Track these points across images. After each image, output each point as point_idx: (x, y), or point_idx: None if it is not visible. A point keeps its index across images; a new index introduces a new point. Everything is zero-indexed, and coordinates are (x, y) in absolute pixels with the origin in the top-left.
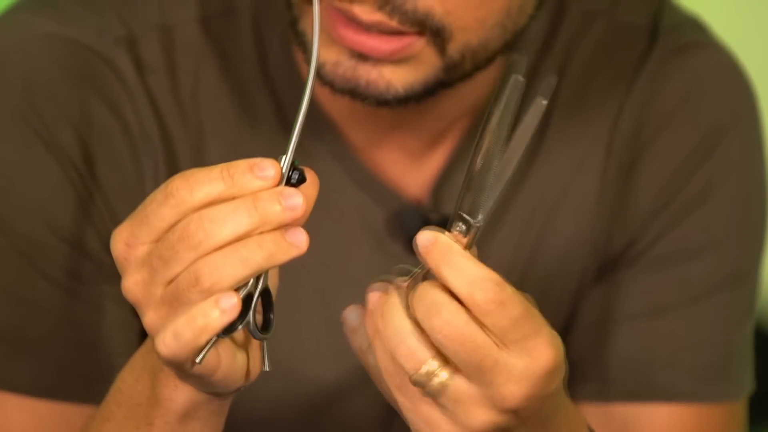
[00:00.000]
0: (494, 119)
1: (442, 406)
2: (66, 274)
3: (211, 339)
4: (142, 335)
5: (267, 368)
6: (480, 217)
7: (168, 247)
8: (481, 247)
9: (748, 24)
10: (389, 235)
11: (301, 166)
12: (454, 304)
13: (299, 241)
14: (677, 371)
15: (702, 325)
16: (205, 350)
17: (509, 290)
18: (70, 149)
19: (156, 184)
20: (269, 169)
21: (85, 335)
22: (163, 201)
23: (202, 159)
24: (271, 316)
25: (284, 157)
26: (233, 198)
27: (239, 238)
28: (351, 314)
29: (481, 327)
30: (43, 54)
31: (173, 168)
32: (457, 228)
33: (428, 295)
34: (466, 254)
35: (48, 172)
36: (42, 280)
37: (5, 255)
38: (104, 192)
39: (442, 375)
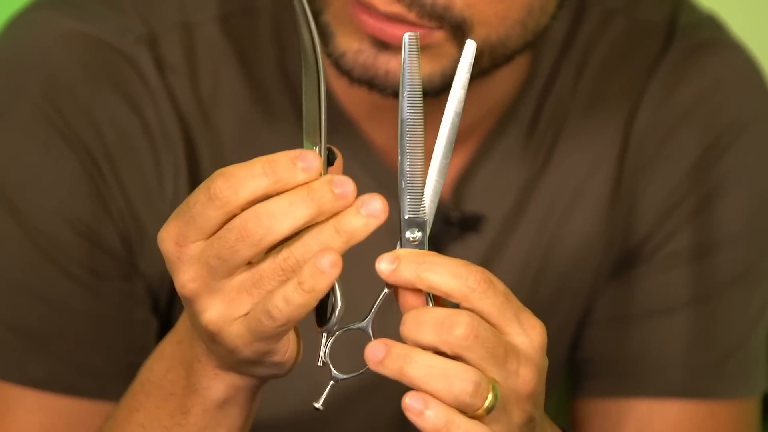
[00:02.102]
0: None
1: (490, 420)
2: (85, 270)
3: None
4: (160, 333)
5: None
6: (425, 210)
7: (227, 246)
8: (498, 246)
9: (757, 21)
10: None
11: (329, 146)
12: (458, 309)
13: (376, 210)
14: (690, 368)
15: (715, 322)
16: (326, 347)
17: (486, 269)
18: (91, 147)
19: (176, 182)
20: (312, 159)
21: (103, 332)
22: (207, 202)
23: (222, 157)
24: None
25: (318, 146)
26: (278, 193)
27: (298, 230)
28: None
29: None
30: (63, 52)
31: (194, 166)
32: (411, 236)
33: (428, 314)
34: (433, 253)
35: (69, 170)
36: (61, 277)
37: (25, 251)
38: (124, 189)
39: (490, 386)
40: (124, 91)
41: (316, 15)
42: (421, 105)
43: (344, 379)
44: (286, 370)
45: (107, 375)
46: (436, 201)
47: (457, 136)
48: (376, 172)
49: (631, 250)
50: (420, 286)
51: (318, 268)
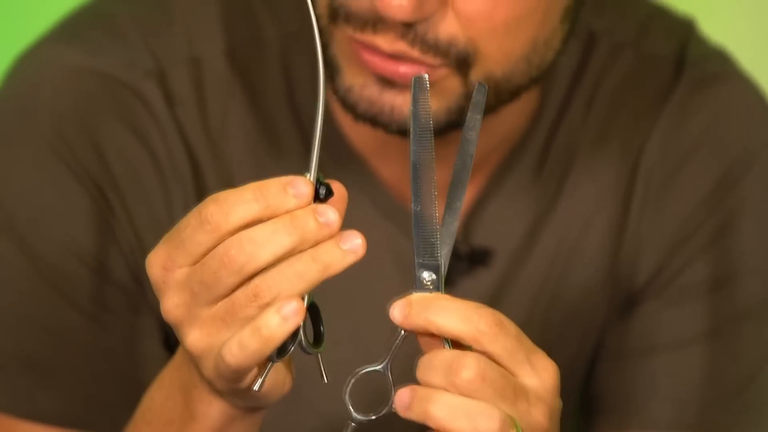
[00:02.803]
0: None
1: None
2: (95, 304)
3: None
4: None
5: (326, 380)
6: (439, 252)
7: (209, 272)
8: (507, 280)
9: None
10: None
11: (327, 180)
12: (466, 351)
13: (355, 246)
14: (703, 402)
15: (728, 356)
16: (263, 376)
17: (498, 311)
18: (100, 180)
19: (185, 215)
20: (302, 186)
21: (113, 366)
22: (198, 226)
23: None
24: (322, 328)
25: (309, 173)
26: (268, 218)
27: (280, 259)
28: None
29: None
30: (72, 86)
31: (202, 199)
32: (426, 278)
33: (437, 358)
34: (444, 296)
35: (78, 204)
36: (71, 311)
37: (35, 285)
38: (133, 223)
39: (513, 422)
40: (132, 124)
41: (323, 48)
42: (432, 147)
43: (363, 421)
44: (270, 401)
45: (118, 409)
46: (451, 243)
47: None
48: (384, 206)
49: (641, 284)
50: (432, 331)
51: (279, 315)
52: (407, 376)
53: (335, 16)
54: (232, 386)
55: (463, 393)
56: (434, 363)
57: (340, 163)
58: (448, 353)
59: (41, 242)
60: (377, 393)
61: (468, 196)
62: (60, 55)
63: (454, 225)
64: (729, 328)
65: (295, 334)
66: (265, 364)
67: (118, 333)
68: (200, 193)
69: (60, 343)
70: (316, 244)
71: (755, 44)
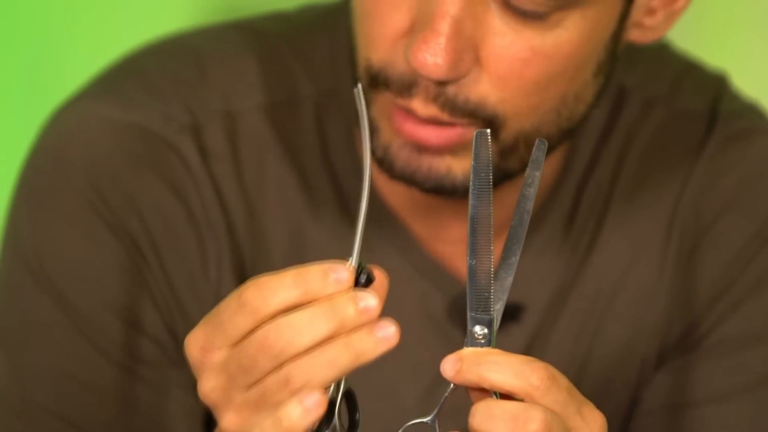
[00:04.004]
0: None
1: None
2: (131, 357)
3: None
4: (207, 422)
5: None
6: (492, 307)
7: (247, 356)
8: (540, 337)
9: None
10: (450, 321)
11: (368, 266)
12: (531, 404)
13: (389, 334)
14: None
15: (763, 411)
16: None
17: (550, 365)
18: (136, 234)
19: (219, 270)
20: (342, 272)
21: (150, 420)
22: (237, 309)
23: (265, 247)
24: (358, 416)
25: (351, 259)
26: (307, 303)
27: (319, 344)
28: None
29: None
30: (108, 140)
31: (237, 254)
32: (478, 332)
33: (500, 408)
34: (495, 351)
35: (113, 257)
36: (106, 364)
37: (71, 339)
38: (169, 277)
39: None
40: (168, 178)
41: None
42: (490, 202)
43: None
44: None
45: None
46: (504, 298)
47: (496, 226)
48: (417, 262)
49: (676, 338)
50: (484, 386)
51: (301, 406)
52: (454, 428)
53: (375, 82)
54: None
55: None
56: (495, 413)
57: (374, 219)
58: (511, 404)
59: (76, 295)
60: None
61: (497, 251)
62: (96, 109)
63: (509, 280)
64: (765, 383)
65: (329, 420)
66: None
67: (155, 387)
68: (234, 249)
69: (96, 397)
70: (355, 329)
71: None
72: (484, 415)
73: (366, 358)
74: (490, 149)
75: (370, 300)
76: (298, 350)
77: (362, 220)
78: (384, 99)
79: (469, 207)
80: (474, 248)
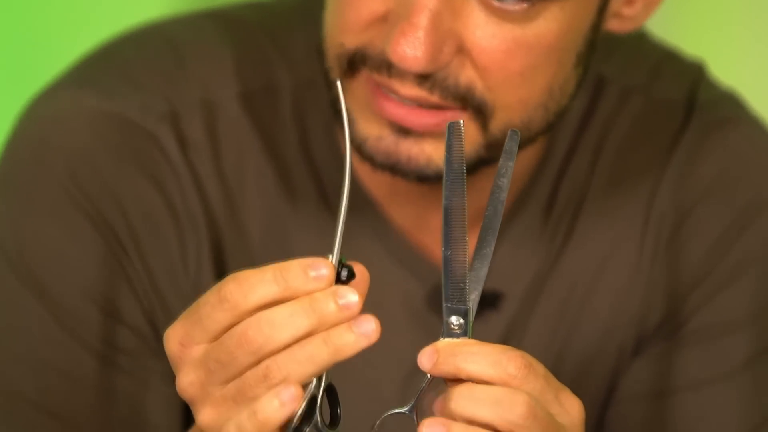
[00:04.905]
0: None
1: None
2: (110, 348)
3: (285, 430)
4: (186, 411)
5: None
6: (467, 298)
7: (226, 351)
8: (517, 325)
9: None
10: (430, 311)
11: (349, 263)
12: (514, 389)
13: (368, 330)
14: None
15: (741, 398)
16: None
17: (526, 353)
18: (115, 225)
19: (199, 260)
20: (323, 268)
21: (129, 409)
22: (216, 304)
23: (244, 237)
24: (339, 410)
25: (332, 255)
26: (288, 299)
27: (298, 340)
28: None
29: None
30: (86, 129)
31: (216, 244)
32: (454, 323)
33: (484, 392)
34: (471, 341)
35: (93, 248)
36: (86, 354)
37: (50, 330)
38: (148, 267)
39: None
40: (147, 169)
41: (334, 101)
42: (464, 193)
43: None
44: None
45: None
46: (479, 289)
47: (475, 214)
48: (397, 252)
49: (653, 326)
50: (461, 377)
51: (277, 399)
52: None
53: (351, 64)
54: None
55: (511, 429)
56: (480, 396)
57: (354, 209)
58: (495, 389)
59: (56, 287)
60: None
61: (476, 240)
62: (74, 98)
63: (484, 271)
64: (743, 370)
65: (310, 417)
66: None
67: (135, 377)
68: (213, 237)
69: (75, 387)
70: (335, 326)
71: (766, 87)
72: (466, 399)
73: (345, 354)
74: (463, 140)
75: (350, 296)
76: (277, 346)
77: (342, 217)
78: (361, 83)
79: (443, 198)
80: (448, 239)
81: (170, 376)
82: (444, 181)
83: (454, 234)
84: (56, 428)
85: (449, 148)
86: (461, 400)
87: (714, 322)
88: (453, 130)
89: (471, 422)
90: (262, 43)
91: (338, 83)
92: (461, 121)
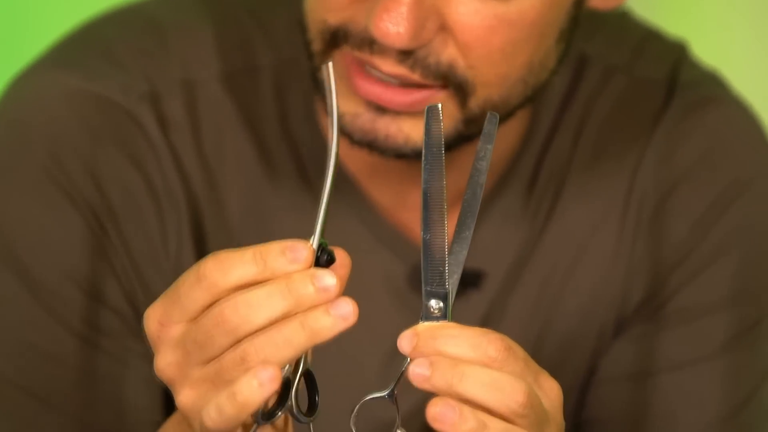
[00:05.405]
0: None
1: None
2: (90, 327)
3: (256, 413)
4: (168, 391)
5: None
6: (447, 281)
7: (203, 331)
8: (499, 304)
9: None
10: (411, 290)
11: (331, 247)
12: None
13: (346, 313)
14: (698, 426)
15: (722, 379)
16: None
17: (506, 336)
18: (95, 205)
19: (179, 240)
20: (302, 251)
21: (109, 390)
22: (195, 283)
23: (224, 217)
24: (317, 397)
25: (313, 237)
26: (266, 280)
27: (275, 322)
28: None
29: None
30: (66, 109)
31: (197, 223)
32: (434, 306)
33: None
34: (451, 324)
35: (73, 228)
36: (67, 335)
37: (31, 310)
38: (128, 247)
39: None
40: (127, 149)
41: (314, 73)
42: (443, 176)
43: None
44: None
45: None
46: (459, 272)
47: (456, 194)
48: (378, 231)
49: (634, 307)
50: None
51: (255, 380)
52: (412, 402)
53: (333, 40)
54: None
55: (509, 415)
56: (484, 379)
57: (335, 187)
58: (498, 375)
59: (36, 266)
60: (382, 420)
61: (453, 223)
62: (54, 78)
63: (463, 254)
64: (724, 351)
65: (284, 400)
66: (250, 426)
67: (115, 357)
68: (194, 216)
69: (56, 367)
70: (313, 308)
71: (748, 67)
72: (471, 379)
73: (322, 337)
74: (441, 124)
75: (328, 279)
76: (253, 327)
77: (325, 200)
78: (341, 58)
79: (422, 182)
80: (427, 223)
81: (151, 357)
82: (423, 165)
83: (433, 218)
84: (37, 409)
85: (428, 132)
86: (466, 379)
87: (695, 302)
88: (431, 114)
89: (468, 402)
90: (244, 21)
91: (329, 66)
92: (440, 105)
